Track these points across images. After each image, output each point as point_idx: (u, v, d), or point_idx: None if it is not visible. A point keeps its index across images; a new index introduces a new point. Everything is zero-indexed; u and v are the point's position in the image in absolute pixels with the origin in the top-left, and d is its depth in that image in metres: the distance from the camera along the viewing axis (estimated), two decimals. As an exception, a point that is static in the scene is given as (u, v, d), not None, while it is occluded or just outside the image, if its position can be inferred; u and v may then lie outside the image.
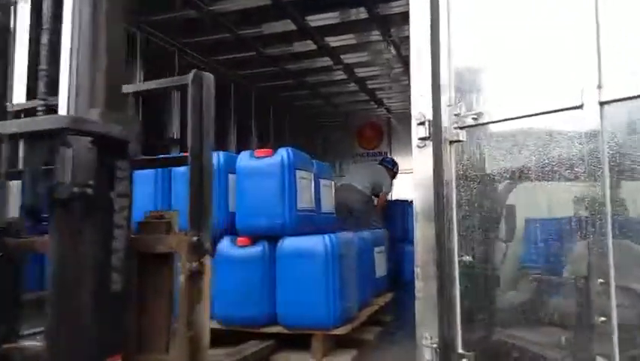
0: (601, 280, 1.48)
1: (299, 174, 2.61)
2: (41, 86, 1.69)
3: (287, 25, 5.05)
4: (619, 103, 1.52)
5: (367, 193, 5.55)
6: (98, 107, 1.45)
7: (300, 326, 2.36)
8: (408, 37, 5.73)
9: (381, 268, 3.20)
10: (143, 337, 1.55)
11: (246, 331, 2.41)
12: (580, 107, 1.59)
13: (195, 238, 1.52)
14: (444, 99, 1.98)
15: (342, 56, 6.02)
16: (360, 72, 6.73)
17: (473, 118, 1.89)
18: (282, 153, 2.58)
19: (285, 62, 6.15)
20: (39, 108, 1.69)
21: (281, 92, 7.43)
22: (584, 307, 1.53)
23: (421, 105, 2.04)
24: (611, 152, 1.52)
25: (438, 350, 1.88)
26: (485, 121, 1.86)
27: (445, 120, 1.97)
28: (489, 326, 1.83)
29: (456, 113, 1.94)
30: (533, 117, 1.73)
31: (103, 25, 1.50)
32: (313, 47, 5.56)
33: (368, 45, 5.82)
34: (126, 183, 1.47)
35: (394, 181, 6.37)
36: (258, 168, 2.55)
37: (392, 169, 6.35)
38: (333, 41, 5.60)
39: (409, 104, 7.13)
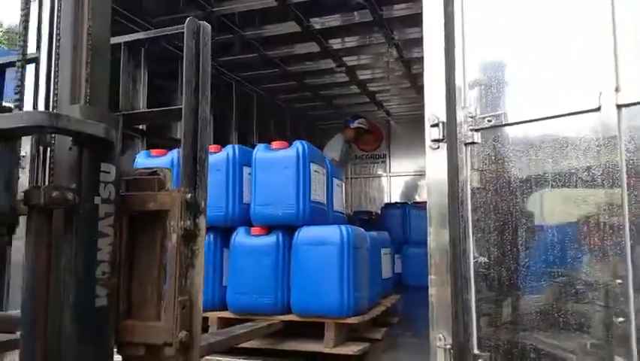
0: (619, 282, 1.50)
1: (313, 167, 2.69)
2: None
3: (290, 27, 5.07)
4: (637, 106, 1.54)
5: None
6: (79, 102, 1.32)
7: (313, 314, 2.42)
8: (410, 40, 5.73)
9: (387, 270, 3.25)
10: (133, 302, 1.44)
11: (259, 319, 2.44)
12: (597, 109, 1.60)
13: (189, 195, 1.42)
14: (458, 101, 1.99)
15: (344, 59, 6.04)
16: (362, 75, 6.75)
17: (488, 120, 1.91)
18: (298, 145, 2.67)
19: (287, 64, 6.16)
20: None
21: (282, 94, 7.43)
22: (602, 308, 1.54)
23: (434, 107, 2.05)
24: (628, 154, 1.54)
25: (452, 351, 1.89)
26: (501, 123, 1.87)
27: (460, 122, 1.99)
28: (505, 327, 1.84)
29: (471, 115, 1.95)
30: (550, 120, 1.75)
31: (86, 12, 1.37)
32: (316, 48, 5.58)
33: (369, 48, 5.84)
34: (112, 187, 1.34)
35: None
36: (274, 160, 2.62)
37: (350, 126, 6.19)
38: (336, 43, 5.61)
39: (409, 107, 7.19)
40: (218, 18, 4.81)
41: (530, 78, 1.83)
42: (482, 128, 1.92)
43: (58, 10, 1.35)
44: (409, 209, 6.29)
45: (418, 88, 7.20)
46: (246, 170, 2.73)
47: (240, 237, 2.61)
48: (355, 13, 4.89)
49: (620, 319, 1.48)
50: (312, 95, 7.50)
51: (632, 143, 1.54)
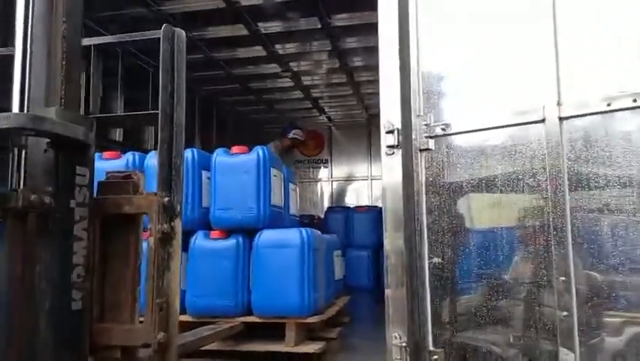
0: (563, 279, 1.63)
1: (273, 171, 2.77)
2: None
3: (237, 30, 5.03)
4: (576, 119, 1.69)
5: None
6: (55, 105, 1.32)
7: (274, 315, 2.49)
8: (352, 50, 5.86)
9: (339, 271, 3.37)
10: (107, 306, 1.45)
11: (220, 322, 2.43)
12: (542, 121, 1.74)
13: (166, 199, 1.46)
14: (413, 109, 2.08)
15: (290, 64, 6.08)
16: (306, 80, 6.82)
17: (442, 128, 2.01)
18: (258, 150, 2.75)
19: (232, 67, 6.10)
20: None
21: (225, 97, 7.34)
22: (546, 304, 1.67)
23: (389, 114, 2.12)
24: (569, 162, 1.68)
25: (407, 348, 1.96)
26: (454, 131, 1.98)
27: (415, 129, 2.08)
28: (458, 324, 1.94)
29: (426, 122, 2.05)
30: (499, 129, 1.87)
31: (60, 14, 1.37)
32: (262, 53, 5.57)
33: (313, 54, 5.92)
34: (86, 190, 1.34)
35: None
36: (234, 164, 2.67)
37: (287, 136, 6.34)
38: (281, 49, 5.64)
39: (350, 113, 7.39)
40: (165, 17, 4.69)
41: (482, 89, 1.95)
42: (436, 136, 2.02)
43: (32, 11, 1.32)
44: (351, 213, 6.41)
45: (360, 96, 7.38)
46: (205, 174, 2.73)
47: (199, 240, 2.63)
48: (302, 20, 4.94)
49: (565, 313, 1.61)
50: (256, 99, 7.47)
51: (572, 152, 1.68)
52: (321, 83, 6.96)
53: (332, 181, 9.08)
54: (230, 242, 2.58)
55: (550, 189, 1.71)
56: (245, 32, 5.02)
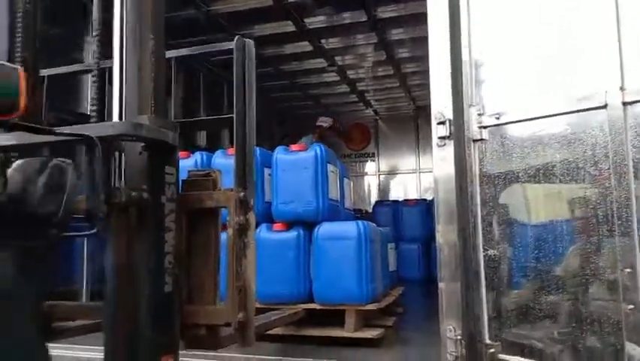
0: (629, 270, 1.57)
1: (329, 167, 2.92)
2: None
3: (283, 27, 5.09)
4: (641, 104, 1.61)
5: None
6: (146, 113, 1.52)
7: (334, 302, 2.64)
8: (399, 41, 5.81)
9: (392, 263, 3.46)
10: (193, 290, 1.64)
11: (283, 308, 2.61)
12: (604, 107, 1.67)
13: (242, 194, 1.62)
14: (465, 98, 2.05)
15: (335, 58, 6.09)
16: (352, 74, 6.81)
17: (496, 117, 1.97)
18: (316, 147, 2.92)
19: (280, 63, 6.18)
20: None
21: (272, 93, 7.45)
22: (613, 295, 1.61)
23: (440, 104, 2.10)
24: (634, 150, 1.61)
25: (462, 341, 1.94)
26: (508, 120, 1.93)
27: (468, 119, 2.04)
28: (514, 317, 1.90)
29: (479, 112, 2.01)
30: (557, 117, 1.81)
31: (149, 31, 1.57)
32: (309, 48, 5.62)
33: (359, 47, 5.90)
34: (174, 187, 1.53)
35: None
36: (294, 161, 2.84)
37: (325, 127, 6.35)
38: (327, 43, 5.66)
39: (396, 106, 7.31)
40: (215, 17, 4.81)
41: (537, 76, 1.89)
42: (490, 126, 1.98)
43: (126, 30, 1.53)
44: (400, 206, 6.37)
45: (407, 87, 7.30)
46: (266, 171, 2.92)
47: (263, 232, 2.78)
48: (347, 13, 4.94)
49: (630, 306, 1.55)
50: (303, 95, 7.53)
51: (637, 138, 1.61)
52: (367, 76, 6.93)
53: (379, 175, 9.03)
54: (292, 234, 2.76)
55: (614, 178, 1.64)
56: (292, 28, 5.07)
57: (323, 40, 5.56)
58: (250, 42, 1.73)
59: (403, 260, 5.71)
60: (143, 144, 1.45)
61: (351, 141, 9.07)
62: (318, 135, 6.50)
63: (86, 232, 1.34)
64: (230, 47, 1.71)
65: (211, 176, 1.70)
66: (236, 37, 1.69)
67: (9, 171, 1.35)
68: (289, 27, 5.08)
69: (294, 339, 2.57)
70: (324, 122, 6.52)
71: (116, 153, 1.49)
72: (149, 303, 1.40)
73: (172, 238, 1.48)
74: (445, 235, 2.06)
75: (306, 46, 5.61)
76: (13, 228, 1.23)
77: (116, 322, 1.34)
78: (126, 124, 1.45)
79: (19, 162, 1.38)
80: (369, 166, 9.14)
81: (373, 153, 9.08)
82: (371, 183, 9.12)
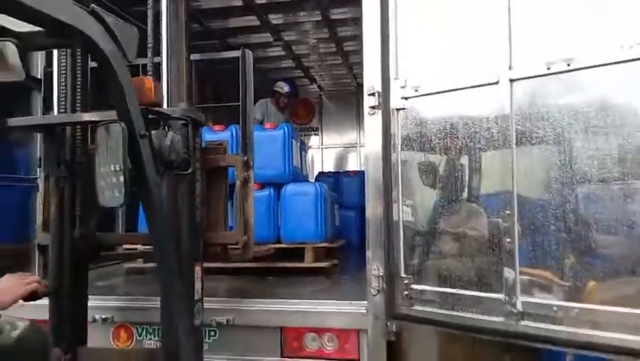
0: (508, 212, 2.00)
1: (293, 142, 3.74)
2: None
3: (229, 2, 5.24)
4: (523, 81, 2.02)
5: None
6: (183, 100, 2.19)
7: (297, 241, 3.45)
8: (341, 20, 6.05)
9: (337, 220, 4.24)
10: (210, 221, 2.35)
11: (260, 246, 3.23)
12: (496, 83, 2.08)
13: (245, 158, 2.39)
14: (392, 73, 2.40)
15: (282, 33, 6.30)
16: (296, 50, 7.04)
17: (415, 90, 2.34)
18: (284, 127, 3.77)
19: (228, 36, 6.31)
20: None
21: (220, 65, 7.53)
22: (495, 232, 2.04)
23: (371, 78, 2.45)
24: (516, 117, 2.03)
25: (383, 277, 2.34)
26: (424, 93, 2.31)
27: (392, 92, 2.40)
28: (424, 256, 2.32)
29: (401, 85, 2.37)
30: (460, 91, 2.20)
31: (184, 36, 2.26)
32: (256, 22, 5.79)
33: (304, 24, 6.14)
34: (199, 152, 2.19)
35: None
36: (267, 136, 3.59)
37: (282, 92, 6.72)
38: (275, 18, 5.86)
39: (339, 82, 7.71)
40: None
41: (447, 55, 2.26)
42: (410, 97, 2.35)
43: (169, 35, 2.21)
44: (341, 177, 6.75)
45: (349, 65, 7.63)
46: None
47: None
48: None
49: (508, 240, 1.98)
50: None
51: (520, 109, 2.02)
52: (312, 52, 7.18)
53: (322, 148, 9.39)
54: (265, 192, 3.50)
55: (501, 141, 2.05)
56: (239, 3, 5.24)
57: (270, 16, 5.75)
58: (249, 52, 2.49)
59: (341, 225, 6.15)
60: (183, 121, 2.05)
61: (297, 115, 9.35)
62: (274, 100, 6.78)
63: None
64: (236, 56, 2.47)
65: (222, 145, 2.46)
66: (241, 48, 2.46)
67: None
68: (236, 1, 5.24)
69: (267, 270, 3.34)
70: (281, 87, 6.79)
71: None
72: (185, 229, 2.06)
73: (198, 186, 2.14)
74: (373, 187, 2.42)
75: (252, 20, 5.78)
76: None
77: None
78: (181, 109, 2.11)
79: None
80: (313, 140, 9.46)
81: (317, 128, 9.42)
82: (315, 156, 9.46)
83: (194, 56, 2.44)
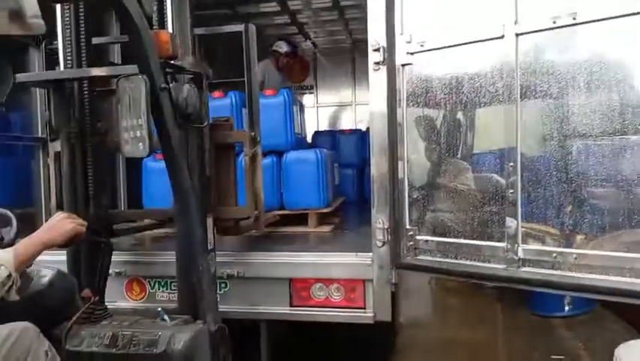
0: (512, 165, 2.07)
1: (294, 108, 3.73)
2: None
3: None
4: (529, 35, 2.05)
5: None
6: (188, 55, 2.14)
7: (300, 207, 3.49)
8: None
9: (337, 178, 4.29)
10: (221, 197, 2.41)
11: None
12: (502, 37, 2.10)
13: (252, 134, 2.46)
14: (397, 28, 2.41)
15: (276, -12, 6.16)
16: (293, 5, 6.90)
17: (420, 45, 2.35)
18: (284, 93, 3.71)
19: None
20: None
21: (210, 21, 7.38)
22: (499, 184, 2.12)
23: (376, 33, 2.45)
24: (521, 71, 2.06)
25: (388, 230, 2.43)
26: (430, 48, 2.32)
27: (398, 47, 2.41)
28: (427, 209, 2.40)
29: (407, 40, 2.38)
30: (466, 45, 2.22)
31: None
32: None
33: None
34: (207, 107, 2.22)
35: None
36: (267, 104, 3.44)
37: (281, 52, 6.42)
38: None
39: (334, 39, 7.66)
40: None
41: (452, 10, 2.26)
42: (416, 52, 2.37)
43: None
44: (337, 135, 6.78)
45: (345, 21, 7.51)
46: (244, 111, 3.29)
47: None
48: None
49: (511, 191, 2.06)
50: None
51: (525, 61, 2.05)
52: (306, 7, 7.05)
53: (317, 107, 9.35)
54: (268, 160, 3.42)
55: (506, 95, 2.09)
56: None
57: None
58: (252, 26, 2.51)
59: (340, 182, 6.24)
60: (190, 76, 2.04)
61: (293, 75, 9.24)
62: (275, 61, 6.50)
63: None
64: (240, 30, 2.50)
65: (229, 121, 2.47)
66: (244, 23, 2.50)
67: None
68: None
69: (272, 235, 3.33)
70: (280, 47, 6.52)
71: None
72: (199, 201, 2.03)
73: (208, 160, 2.17)
74: (378, 142, 2.46)
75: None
76: None
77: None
78: (199, 63, 2.18)
79: None
80: (308, 99, 9.40)
81: (312, 86, 9.34)
82: (310, 116, 9.43)
83: (197, 30, 2.42)
